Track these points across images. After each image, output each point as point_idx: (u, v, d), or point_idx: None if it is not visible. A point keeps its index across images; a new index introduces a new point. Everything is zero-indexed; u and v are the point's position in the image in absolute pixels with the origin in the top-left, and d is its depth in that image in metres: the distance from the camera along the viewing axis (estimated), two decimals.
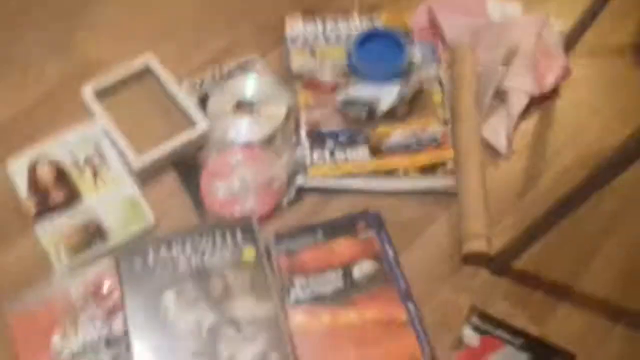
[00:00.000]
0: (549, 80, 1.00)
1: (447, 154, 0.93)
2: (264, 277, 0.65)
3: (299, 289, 0.71)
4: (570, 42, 1.05)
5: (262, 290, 0.64)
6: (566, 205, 0.71)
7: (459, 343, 0.79)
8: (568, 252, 0.88)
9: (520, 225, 0.82)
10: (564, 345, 0.79)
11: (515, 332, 0.79)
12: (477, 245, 0.84)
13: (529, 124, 1.00)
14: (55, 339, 0.79)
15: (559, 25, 1.06)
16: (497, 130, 0.97)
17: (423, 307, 0.81)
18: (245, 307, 0.62)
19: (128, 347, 0.76)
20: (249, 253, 0.66)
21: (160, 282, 0.63)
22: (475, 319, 0.80)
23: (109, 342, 0.78)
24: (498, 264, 0.85)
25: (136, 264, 0.64)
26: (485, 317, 0.80)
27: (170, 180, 0.93)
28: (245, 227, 0.68)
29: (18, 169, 0.92)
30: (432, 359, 0.70)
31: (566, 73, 1.01)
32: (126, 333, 0.77)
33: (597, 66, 1.06)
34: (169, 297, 0.62)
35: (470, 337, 0.79)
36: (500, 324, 0.80)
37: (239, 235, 0.67)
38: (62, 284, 0.82)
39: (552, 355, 0.78)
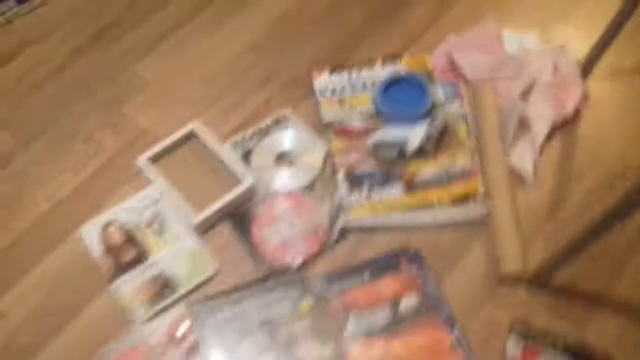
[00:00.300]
0: (569, 107, 1.12)
1: (477, 184, 1.05)
2: (321, 322, 0.77)
3: (354, 324, 0.82)
4: (588, 66, 1.17)
5: (322, 334, 0.76)
6: (600, 227, 0.80)
7: (503, 355, 0.88)
8: (601, 264, 0.99)
9: (552, 246, 0.92)
10: (603, 350, 0.88)
11: (556, 338, 0.89)
12: (512, 265, 0.95)
13: (554, 148, 1.12)
14: None
15: (576, 51, 1.17)
16: (523, 157, 1.08)
17: (468, 328, 0.92)
18: (310, 350, 0.74)
19: None
20: (306, 305, 0.79)
21: (234, 333, 0.74)
22: (517, 330, 0.91)
23: None
24: (535, 280, 0.95)
25: (212, 318, 0.76)
26: (526, 327, 0.91)
27: (226, 231, 1.07)
28: (301, 281, 0.80)
29: (90, 235, 1.08)
30: None
31: (584, 98, 1.12)
32: None
33: (616, 87, 1.17)
34: (245, 346, 0.74)
35: (513, 347, 0.89)
36: (540, 332, 0.91)
37: (296, 288, 0.79)
38: (142, 335, 0.95)
39: (592, 357, 0.87)
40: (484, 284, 0.99)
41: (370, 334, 0.82)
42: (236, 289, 0.81)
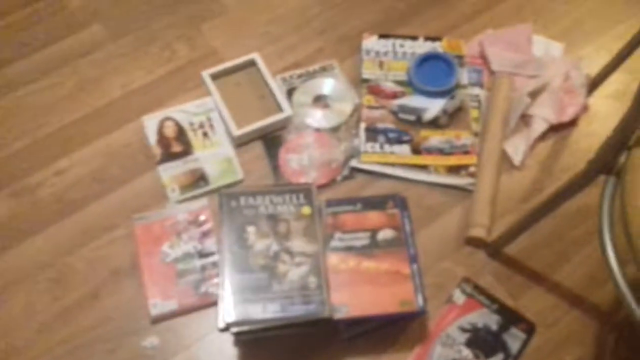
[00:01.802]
0: (569, 113, 1.27)
1: (472, 159, 1.23)
2: (314, 228, 0.98)
3: (337, 240, 1.04)
4: (596, 82, 1.31)
5: (311, 236, 0.97)
6: (545, 208, 0.98)
7: (449, 299, 1.09)
8: (553, 249, 1.17)
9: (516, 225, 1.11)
10: (529, 317, 1.08)
11: (493, 299, 1.09)
12: (477, 231, 1.14)
13: (545, 146, 1.28)
14: (165, 246, 1.15)
15: (590, 66, 1.31)
16: (516, 146, 1.25)
17: (428, 271, 1.12)
18: (299, 244, 0.96)
19: (215, 262, 1.11)
20: (306, 210, 1.00)
21: (246, 218, 0.97)
22: (464, 284, 1.10)
23: (201, 254, 1.14)
24: (493, 248, 1.14)
25: (232, 203, 0.98)
26: (472, 284, 1.10)
27: (257, 149, 1.28)
28: (307, 192, 1.01)
29: (150, 124, 1.29)
30: (420, 305, 1.00)
31: (584, 109, 1.27)
32: (214, 252, 1.13)
33: (614, 106, 1.32)
34: (251, 229, 0.97)
35: (458, 296, 1.09)
36: (483, 291, 1.11)
37: (301, 197, 1.01)
38: (172, 210, 1.18)
39: (518, 321, 1.08)
40: (451, 241, 1.18)
41: (348, 250, 1.03)
42: (254, 187, 1.03)
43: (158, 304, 1.10)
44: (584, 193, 0.93)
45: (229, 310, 0.91)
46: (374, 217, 1.08)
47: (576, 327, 1.09)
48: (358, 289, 1.01)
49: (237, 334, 0.94)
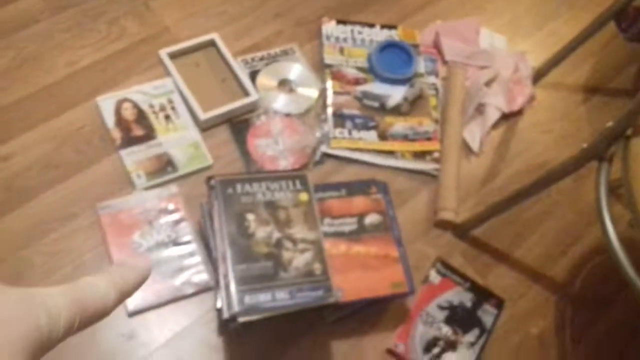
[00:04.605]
0: (518, 103, 1.35)
1: (435, 145, 1.27)
2: (312, 214, 0.96)
3: (326, 226, 1.03)
4: (539, 74, 1.40)
5: (311, 222, 0.95)
6: (517, 197, 1.05)
7: (426, 280, 1.13)
8: (510, 231, 1.24)
9: (479, 206, 1.17)
10: (497, 293, 1.15)
11: (465, 278, 1.15)
12: (447, 215, 1.18)
13: (497, 133, 1.35)
14: (136, 236, 1.08)
15: (534, 59, 1.41)
16: (473, 134, 1.31)
17: None
18: (300, 231, 0.94)
19: (192, 252, 1.06)
20: (303, 196, 0.98)
21: (244, 206, 0.93)
22: (439, 265, 1.15)
23: (175, 243, 1.08)
24: (460, 230, 1.19)
25: (228, 190, 0.94)
26: (446, 265, 1.15)
27: (223, 133, 1.23)
28: (302, 178, 0.99)
29: (106, 106, 1.20)
30: (410, 285, 1.03)
31: (532, 99, 1.36)
32: (190, 240, 1.08)
33: (556, 97, 1.43)
34: (251, 217, 0.93)
35: (434, 276, 1.13)
36: (455, 271, 1.15)
37: (297, 183, 0.98)
38: (140, 198, 1.11)
39: (489, 298, 1.14)
40: (421, 224, 1.23)
41: (338, 237, 1.03)
42: (248, 173, 0.99)
43: (134, 298, 1.03)
44: (530, 178, 1.02)
45: (236, 300, 0.87)
46: (359, 202, 1.09)
47: (539, 301, 1.18)
48: (350, 273, 1.02)
49: (240, 324, 0.91)
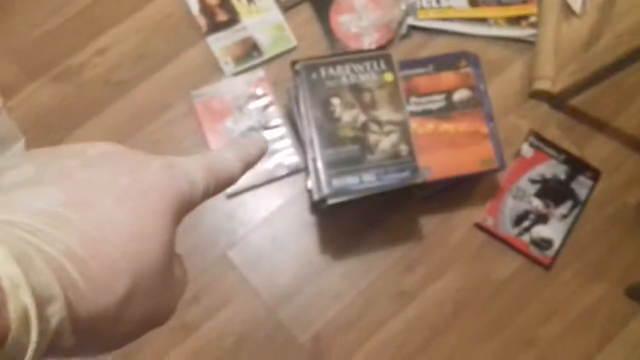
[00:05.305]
0: None
1: (532, 9, 1.18)
2: (398, 95, 0.95)
3: (413, 105, 1.02)
4: None
5: (396, 104, 0.95)
6: (623, 61, 0.97)
7: (517, 154, 1.11)
8: (610, 99, 1.16)
9: (579, 73, 1.10)
10: (594, 165, 1.11)
11: (560, 150, 1.11)
12: (543, 84, 1.13)
13: None
14: (229, 122, 1.12)
15: None
16: None
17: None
18: (386, 113, 0.94)
19: (282, 135, 1.09)
20: (388, 77, 0.96)
21: (329, 90, 0.93)
22: (532, 138, 1.12)
23: (265, 127, 1.12)
24: (557, 100, 1.14)
25: (313, 76, 0.94)
26: (539, 137, 1.12)
27: (306, 12, 1.21)
28: (387, 58, 0.97)
29: None
30: (500, 161, 1.02)
31: None
32: (279, 124, 1.10)
33: None
34: (336, 101, 0.94)
35: (526, 150, 1.11)
36: (549, 143, 1.12)
37: (382, 63, 0.97)
38: (230, 84, 1.14)
39: (584, 170, 1.11)
40: (515, 95, 1.18)
41: (425, 115, 1.02)
42: (332, 56, 0.98)
43: None
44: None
45: (325, 183, 0.91)
46: (447, 77, 1.05)
47: (638, 171, 1.13)
48: (439, 151, 1.01)
49: (329, 206, 0.95)
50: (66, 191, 0.24)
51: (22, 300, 0.19)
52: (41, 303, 0.20)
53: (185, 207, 0.28)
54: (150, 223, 0.25)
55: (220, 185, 0.30)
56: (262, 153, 0.33)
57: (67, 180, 0.24)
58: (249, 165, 0.32)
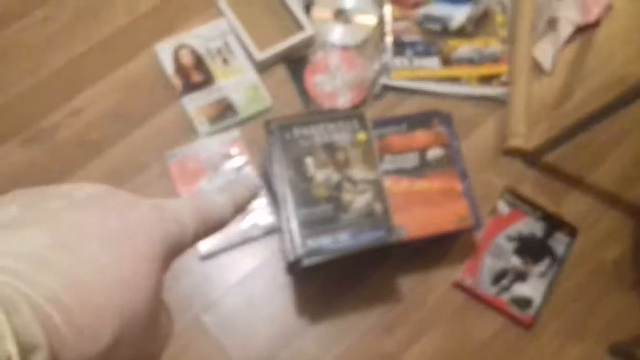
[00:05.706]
0: (593, 13, 1.24)
1: (503, 68, 1.20)
2: (371, 153, 0.95)
3: (387, 163, 1.02)
4: None
5: (370, 162, 0.94)
6: (595, 118, 0.99)
7: (494, 211, 1.10)
8: (585, 154, 1.17)
9: (552, 130, 1.11)
10: (571, 221, 1.11)
11: (536, 207, 1.11)
12: (517, 141, 1.14)
13: (571, 49, 1.26)
14: (203, 183, 1.11)
15: None
16: (545, 52, 1.22)
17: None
18: (359, 172, 0.94)
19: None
20: (361, 136, 0.97)
21: (303, 150, 0.93)
22: (507, 195, 1.11)
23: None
24: (531, 157, 1.15)
25: (286, 135, 0.94)
26: (515, 194, 1.12)
27: (281, 73, 1.22)
28: (360, 117, 0.97)
29: (164, 53, 1.20)
30: (476, 219, 1.01)
31: (609, 8, 1.25)
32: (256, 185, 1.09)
33: (637, 4, 1.29)
34: (309, 161, 0.93)
35: (502, 207, 1.11)
36: (525, 200, 1.11)
37: (355, 122, 0.97)
38: (204, 144, 1.13)
39: (561, 226, 1.10)
40: (489, 153, 1.18)
41: (399, 174, 1.02)
42: (305, 115, 0.98)
43: (207, 241, 1.08)
44: (609, 95, 0.94)
45: (299, 244, 0.89)
46: (420, 136, 1.06)
47: (615, 226, 1.13)
48: (413, 210, 1.01)
49: (304, 268, 0.93)
50: (52, 234, 0.23)
51: (5, 349, 0.18)
52: (25, 352, 0.19)
53: (175, 249, 0.27)
54: (137, 267, 0.24)
55: (210, 227, 0.30)
56: (253, 195, 0.33)
57: (53, 223, 0.24)
58: (240, 208, 0.32)
